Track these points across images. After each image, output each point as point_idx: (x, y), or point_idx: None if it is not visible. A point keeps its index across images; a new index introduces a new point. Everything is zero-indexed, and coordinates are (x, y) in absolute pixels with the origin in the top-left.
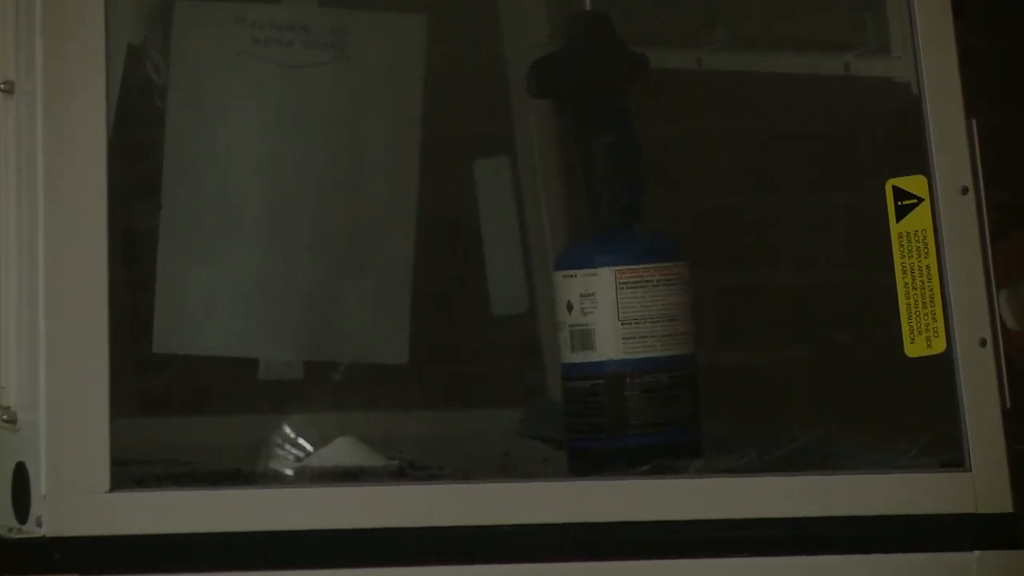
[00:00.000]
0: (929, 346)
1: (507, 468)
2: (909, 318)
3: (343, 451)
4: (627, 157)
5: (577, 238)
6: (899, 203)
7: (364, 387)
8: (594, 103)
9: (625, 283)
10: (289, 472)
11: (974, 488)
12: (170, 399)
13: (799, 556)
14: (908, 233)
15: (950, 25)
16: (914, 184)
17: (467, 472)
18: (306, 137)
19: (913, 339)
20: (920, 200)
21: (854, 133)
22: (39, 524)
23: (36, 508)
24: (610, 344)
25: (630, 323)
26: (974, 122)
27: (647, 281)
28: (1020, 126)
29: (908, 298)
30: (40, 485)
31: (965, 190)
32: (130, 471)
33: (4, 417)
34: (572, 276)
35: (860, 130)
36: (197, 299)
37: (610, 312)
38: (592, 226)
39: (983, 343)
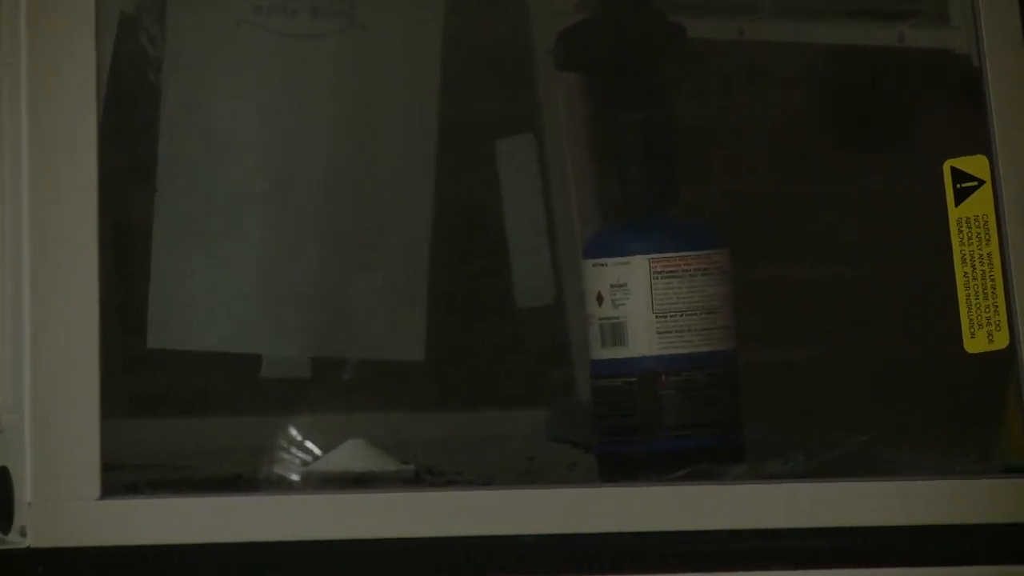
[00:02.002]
0: (990, 341)
1: (532, 474)
2: (969, 311)
3: (353, 455)
4: (662, 136)
5: (608, 224)
6: (958, 186)
7: (376, 386)
8: (627, 77)
9: (660, 273)
10: (295, 478)
11: None
12: (166, 399)
13: (849, 569)
14: (968, 218)
15: None
16: (974, 165)
17: (488, 478)
18: (313, 115)
19: (973, 333)
20: (981, 182)
21: (908, 110)
22: (23, 534)
23: (20, 517)
24: (643, 339)
25: (665, 316)
26: None
27: (684, 271)
28: None
29: (968, 289)
30: (25, 492)
31: None
32: (122, 477)
33: None
34: (603, 265)
35: (915, 107)
36: (195, 291)
37: (644, 304)
38: (624, 211)
39: None
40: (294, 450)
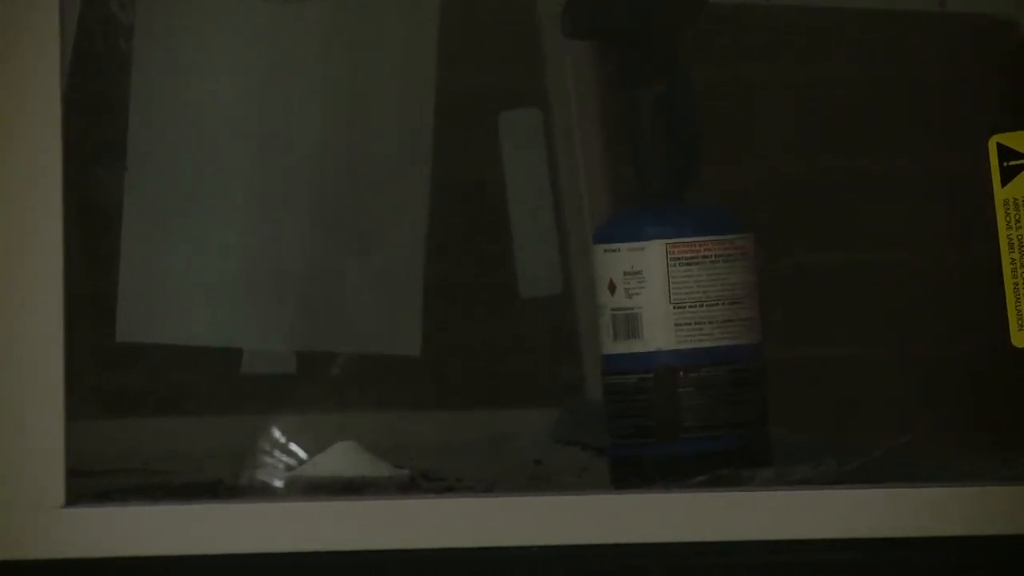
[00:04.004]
0: None
1: (538, 479)
2: (1017, 301)
3: (343, 459)
4: (681, 111)
5: (621, 206)
6: (1005, 164)
7: (368, 383)
8: (642, 45)
9: (678, 259)
10: (279, 484)
11: None
12: (138, 398)
13: None
14: (1016, 199)
15: None
16: (1023, 141)
17: (490, 484)
18: (300, 88)
19: (1021, 327)
20: None
21: (951, 81)
22: None
23: None
24: (660, 331)
25: (684, 307)
26: None
27: (704, 257)
28: None
29: (1015, 277)
30: None
31: None
32: (90, 483)
33: None
34: (615, 251)
35: (958, 78)
36: (169, 279)
37: (660, 293)
38: (639, 192)
39: None
40: (278, 453)
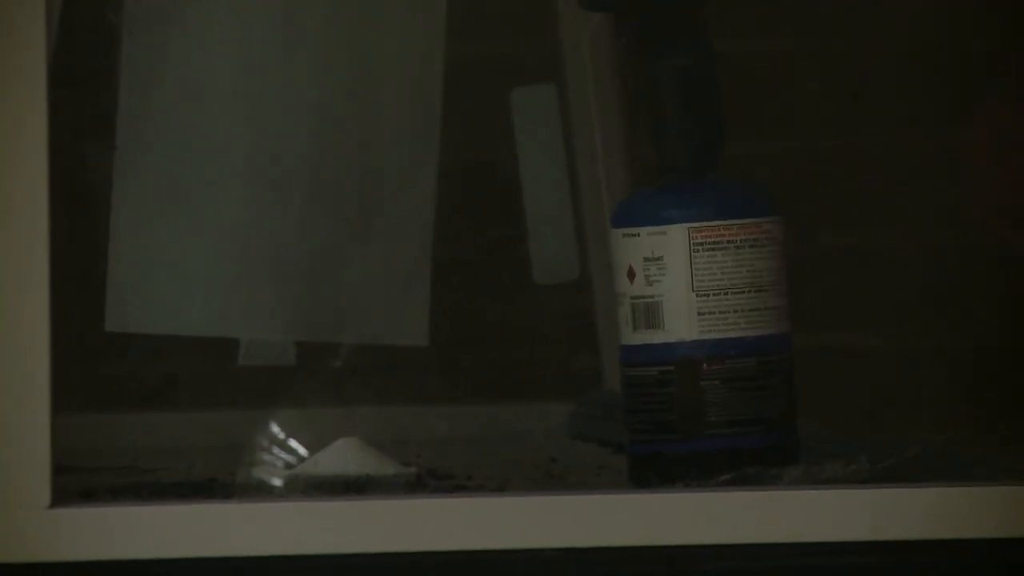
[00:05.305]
0: None
1: (553, 478)
2: None
3: (346, 456)
4: (704, 85)
5: (641, 188)
6: None
7: (373, 375)
8: (663, 17)
9: (701, 244)
10: (278, 482)
11: None
12: (127, 391)
13: None
14: None
15: None
16: None
17: (502, 482)
18: (301, 60)
19: None
20: None
21: (991, 51)
22: None
23: None
24: (682, 321)
25: (707, 295)
26: None
27: (729, 242)
28: None
29: None
30: None
31: None
32: (77, 481)
33: None
34: (635, 235)
35: (997, 48)
36: (162, 265)
37: (682, 281)
38: (660, 173)
39: None
40: (277, 450)
